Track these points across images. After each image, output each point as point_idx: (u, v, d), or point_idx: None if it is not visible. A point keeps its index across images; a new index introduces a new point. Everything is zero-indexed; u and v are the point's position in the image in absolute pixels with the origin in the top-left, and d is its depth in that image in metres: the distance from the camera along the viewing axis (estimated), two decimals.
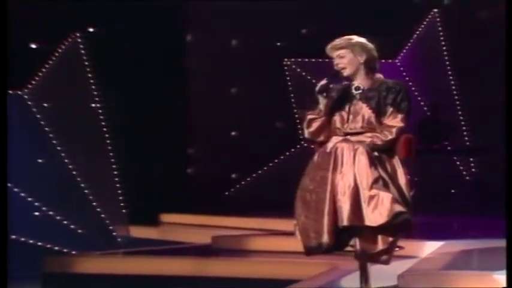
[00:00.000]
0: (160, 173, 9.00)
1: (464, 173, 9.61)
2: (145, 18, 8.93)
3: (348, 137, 4.39)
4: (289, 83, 9.60)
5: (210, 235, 7.41)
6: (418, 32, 9.79)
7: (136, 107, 8.92)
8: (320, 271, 5.32)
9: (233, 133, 9.70)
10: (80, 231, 7.81)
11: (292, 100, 9.59)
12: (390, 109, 4.38)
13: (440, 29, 9.77)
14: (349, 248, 4.34)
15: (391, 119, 4.37)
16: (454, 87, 9.75)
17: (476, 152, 9.54)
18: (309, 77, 9.37)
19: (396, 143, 4.36)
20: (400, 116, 4.37)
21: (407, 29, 9.70)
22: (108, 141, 8.25)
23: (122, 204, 8.16)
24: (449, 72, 9.78)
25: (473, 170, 9.58)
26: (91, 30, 8.61)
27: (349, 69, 4.44)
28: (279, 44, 9.72)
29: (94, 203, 8.02)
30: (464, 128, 9.68)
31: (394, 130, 4.36)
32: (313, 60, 9.33)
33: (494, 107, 9.13)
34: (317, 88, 4.46)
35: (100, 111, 8.23)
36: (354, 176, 4.21)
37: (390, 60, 9.43)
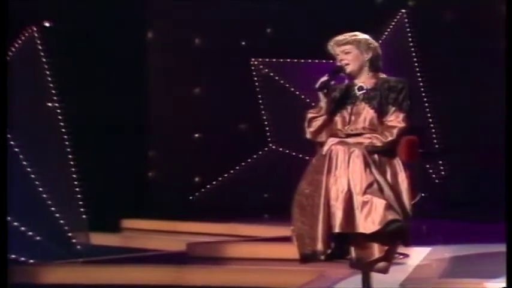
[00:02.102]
0: (121, 177, 8.63)
1: (434, 176, 9.43)
2: (105, 13, 8.56)
3: (347, 138, 4.22)
4: (257, 84, 9.30)
5: (174, 241, 7.18)
6: (386, 33, 9.59)
7: (94, 107, 8.55)
8: (306, 279, 5.03)
9: (196, 135, 9.35)
10: (37, 238, 7.35)
11: (260, 101, 9.30)
12: (392, 108, 4.21)
13: (408, 29, 9.62)
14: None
15: (392, 119, 4.20)
16: (422, 88, 9.59)
17: (445, 154, 9.37)
18: (276, 78, 9.12)
19: (397, 144, 4.17)
20: (401, 116, 4.20)
21: (375, 29, 9.52)
22: (66, 143, 7.82)
23: (81, 209, 7.74)
24: (418, 74, 9.61)
25: (442, 172, 9.40)
26: (47, 24, 8.17)
27: (354, 65, 4.27)
28: (243, 43, 9.41)
29: (52, 209, 7.56)
30: (433, 129, 9.50)
31: (394, 131, 4.18)
32: (281, 60, 9.10)
33: (463, 108, 9.01)
34: (317, 85, 4.27)
35: (58, 111, 7.78)
36: (348, 180, 4.04)
37: None
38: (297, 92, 9.23)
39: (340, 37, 4.28)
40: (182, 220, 8.12)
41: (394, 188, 4.11)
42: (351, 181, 4.02)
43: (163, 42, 9.30)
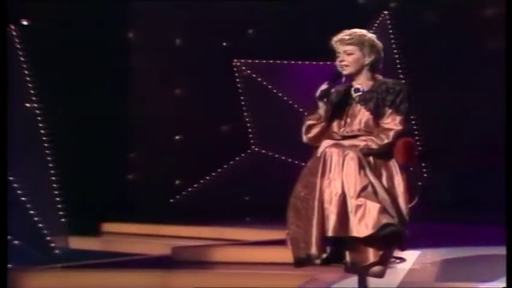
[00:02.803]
0: (100, 179, 8.47)
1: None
2: (86, 12, 8.40)
3: (342, 141, 4.13)
4: (239, 85, 9.18)
5: (157, 245, 7.02)
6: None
7: (74, 108, 8.38)
8: (296, 283, 4.93)
9: (177, 137, 9.20)
10: (14, 242, 7.16)
11: (242, 103, 9.17)
12: (389, 111, 4.12)
13: (391, 31, 9.56)
14: None
15: (389, 121, 4.11)
16: None
17: (428, 156, 9.31)
18: (259, 79, 9.01)
19: (393, 147, 4.09)
20: (398, 118, 4.11)
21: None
22: (45, 145, 7.64)
23: (60, 212, 7.57)
24: (401, 75, 9.55)
25: (425, 175, 9.34)
26: (25, 23, 8.01)
27: (353, 68, 4.17)
28: (225, 44, 9.28)
29: (30, 212, 7.39)
30: (415, 131, 9.44)
31: (391, 133, 4.09)
32: (264, 61, 8.98)
33: (446, 108, 8.97)
34: (317, 93, 4.17)
35: (37, 111, 7.60)
36: (342, 183, 3.96)
37: None
38: (280, 94, 9.14)
39: (346, 35, 4.17)
40: (164, 223, 7.98)
41: (390, 191, 4.03)
42: (345, 184, 3.96)
43: (145, 42, 9.15)
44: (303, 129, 4.28)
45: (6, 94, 4.40)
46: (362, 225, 3.91)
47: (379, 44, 4.21)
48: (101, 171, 8.56)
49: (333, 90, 4.21)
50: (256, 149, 9.05)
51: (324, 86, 4.16)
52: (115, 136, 8.83)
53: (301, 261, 4.01)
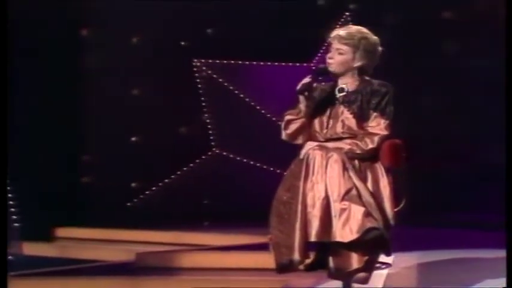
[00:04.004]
0: (54, 182, 8.15)
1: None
2: (36, 8, 8.08)
3: (326, 143, 4.00)
4: (199, 85, 8.95)
5: (114, 251, 6.83)
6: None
7: (25, 108, 8.06)
8: None
9: (134, 138, 8.93)
10: None
11: (203, 104, 8.95)
12: (373, 114, 4.01)
13: None
14: None
15: (374, 125, 4.00)
16: None
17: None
18: (220, 80, 8.80)
19: (378, 151, 3.99)
20: (383, 123, 4.00)
21: (318, 31, 9.35)
22: None
23: (12, 217, 7.25)
24: None
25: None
26: None
27: (337, 68, 4.05)
28: (183, 43, 9.05)
29: None
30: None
31: (375, 138, 3.98)
32: (225, 62, 8.79)
33: (407, 110, 8.88)
34: (298, 87, 4.03)
35: None
36: (326, 186, 3.84)
37: (305, 64, 9.02)
38: (241, 95, 8.95)
39: (345, 34, 4.04)
40: (121, 228, 7.72)
41: (376, 194, 3.92)
42: (328, 187, 3.84)
43: (100, 40, 8.84)
44: (282, 125, 4.13)
45: (7, 94, 4.26)
46: (346, 230, 3.80)
47: (379, 49, 4.09)
48: (55, 174, 8.24)
49: (315, 85, 4.08)
50: (217, 151, 8.84)
51: (306, 80, 4.03)
52: (69, 137, 8.52)
53: (284, 267, 3.89)
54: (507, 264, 3.89)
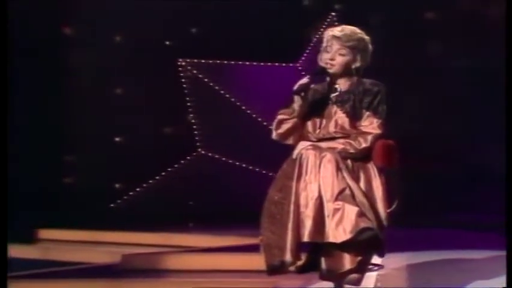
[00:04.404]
0: (36, 183, 8.05)
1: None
2: (18, 5, 7.95)
3: (319, 143, 3.96)
4: (184, 85, 8.86)
5: (98, 253, 6.73)
6: (317, 36, 9.36)
7: (5, 108, 7.90)
8: None
9: (117, 138, 8.82)
10: None
11: (188, 104, 8.86)
12: (366, 113, 3.98)
13: None
14: None
15: (367, 124, 3.98)
16: None
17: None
18: (205, 80, 8.72)
19: (372, 150, 3.96)
20: (376, 122, 3.97)
21: (303, 31, 9.32)
22: None
23: None
24: None
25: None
26: None
27: (339, 69, 4.02)
28: (168, 42, 8.96)
29: None
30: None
31: (369, 138, 3.95)
32: (210, 61, 8.70)
33: (395, 111, 8.84)
34: (296, 87, 3.98)
35: None
36: (319, 186, 3.79)
37: (291, 64, 8.98)
38: (227, 95, 8.88)
39: (345, 35, 4.00)
40: (104, 229, 7.61)
41: (368, 195, 3.88)
42: (322, 187, 3.79)
43: (82, 39, 8.73)
44: (274, 124, 4.08)
45: (7, 94, 4.25)
46: (339, 230, 3.75)
47: (371, 49, 4.06)
48: (37, 174, 8.15)
49: (312, 86, 4.04)
50: (202, 152, 8.76)
51: (304, 80, 3.99)
52: (51, 138, 8.42)
53: (275, 269, 3.83)
54: (507, 264, 3.87)
